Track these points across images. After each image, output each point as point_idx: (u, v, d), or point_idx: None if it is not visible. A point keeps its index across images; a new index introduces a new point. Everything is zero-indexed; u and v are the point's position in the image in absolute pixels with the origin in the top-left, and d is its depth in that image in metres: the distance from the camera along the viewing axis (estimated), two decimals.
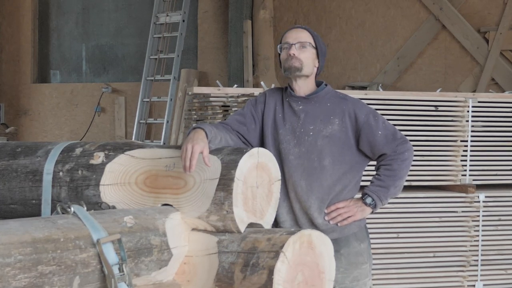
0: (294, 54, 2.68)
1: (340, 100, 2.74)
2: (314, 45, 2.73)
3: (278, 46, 2.77)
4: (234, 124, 2.68)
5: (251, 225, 2.18)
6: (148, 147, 2.37)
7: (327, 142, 2.66)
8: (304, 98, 2.73)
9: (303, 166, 2.67)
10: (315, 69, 2.76)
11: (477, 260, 4.52)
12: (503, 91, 7.28)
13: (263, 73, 8.08)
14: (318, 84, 2.80)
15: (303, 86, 2.73)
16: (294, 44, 2.69)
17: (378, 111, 2.79)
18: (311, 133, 2.67)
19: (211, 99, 4.63)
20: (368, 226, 2.92)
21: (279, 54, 2.78)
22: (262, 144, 2.72)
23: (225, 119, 3.18)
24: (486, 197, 4.52)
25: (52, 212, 2.31)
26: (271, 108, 2.76)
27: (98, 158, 2.36)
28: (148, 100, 8.23)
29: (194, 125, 2.67)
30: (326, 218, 2.70)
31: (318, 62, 2.76)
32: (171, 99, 7.95)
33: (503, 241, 4.58)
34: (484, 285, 4.54)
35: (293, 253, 1.96)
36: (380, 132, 2.67)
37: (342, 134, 2.68)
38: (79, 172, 2.36)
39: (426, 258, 4.45)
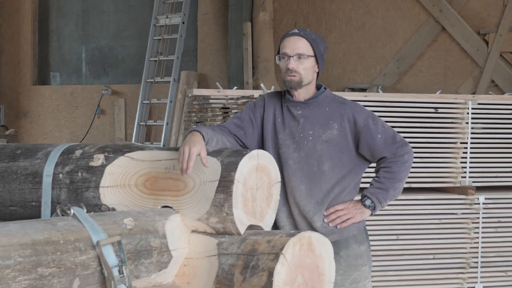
0: (293, 68, 2.65)
1: (339, 105, 2.73)
2: (312, 53, 2.68)
3: (277, 56, 2.73)
4: (231, 127, 2.68)
5: (251, 227, 2.18)
6: (148, 149, 2.38)
7: (326, 147, 2.65)
8: (303, 103, 2.72)
9: (302, 171, 2.66)
10: (316, 74, 2.74)
11: (477, 262, 4.51)
12: (503, 93, 7.28)
13: (263, 75, 8.08)
14: (318, 87, 2.78)
15: (303, 93, 2.72)
16: (292, 56, 2.66)
17: (378, 113, 2.79)
18: (310, 138, 2.66)
19: (211, 101, 4.63)
20: (368, 228, 2.92)
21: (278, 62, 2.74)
22: (260, 148, 2.71)
23: (224, 121, 3.18)
24: (486, 199, 4.51)
25: (52, 214, 2.31)
26: (270, 113, 2.75)
27: (98, 160, 2.36)
28: (148, 102, 8.24)
29: (190, 128, 2.66)
30: (325, 220, 2.69)
31: (318, 67, 2.73)
32: (171, 101, 7.95)
33: (503, 243, 4.57)
34: (484, 287, 4.53)
35: (293, 255, 1.96)
36: (379, 136, 2.67)
37: (341, 139, 2.67)
38: (79, 174, 2.36)
39: (426, 260, 4.45)
